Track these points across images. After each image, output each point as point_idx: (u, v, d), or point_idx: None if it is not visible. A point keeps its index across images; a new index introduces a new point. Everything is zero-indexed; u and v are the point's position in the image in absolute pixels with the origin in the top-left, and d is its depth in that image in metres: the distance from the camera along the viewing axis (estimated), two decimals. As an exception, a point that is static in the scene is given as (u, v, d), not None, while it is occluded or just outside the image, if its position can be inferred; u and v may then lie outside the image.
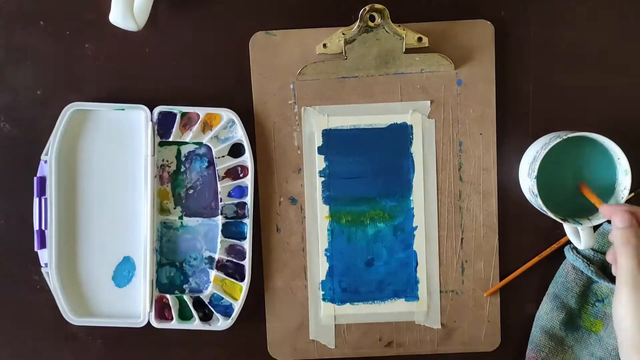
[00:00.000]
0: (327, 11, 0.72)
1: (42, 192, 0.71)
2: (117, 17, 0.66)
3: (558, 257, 0.73)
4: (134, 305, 0.73)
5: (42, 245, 0.72)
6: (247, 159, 0.72)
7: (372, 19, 0.70)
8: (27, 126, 0.73)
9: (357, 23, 0.69)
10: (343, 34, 0.70)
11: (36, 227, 0.72)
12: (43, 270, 0.72)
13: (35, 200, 0.72)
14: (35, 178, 0.72)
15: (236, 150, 0.73)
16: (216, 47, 0.73)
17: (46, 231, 0.71)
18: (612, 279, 0.71)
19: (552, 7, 0.72)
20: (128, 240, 0.73)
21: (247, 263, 0.72)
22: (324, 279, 0.73)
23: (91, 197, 0.73)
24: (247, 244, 0.72)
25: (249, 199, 0.72)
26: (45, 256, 0.71)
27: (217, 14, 0.72)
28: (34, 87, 0.73)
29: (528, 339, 0.73)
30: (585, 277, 0.72)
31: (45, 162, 0.71)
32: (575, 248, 0.72)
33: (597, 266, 0.71)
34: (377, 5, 0.69)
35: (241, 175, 0.73)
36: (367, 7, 0.69)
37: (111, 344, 0.74)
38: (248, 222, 0.72)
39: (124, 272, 0.73)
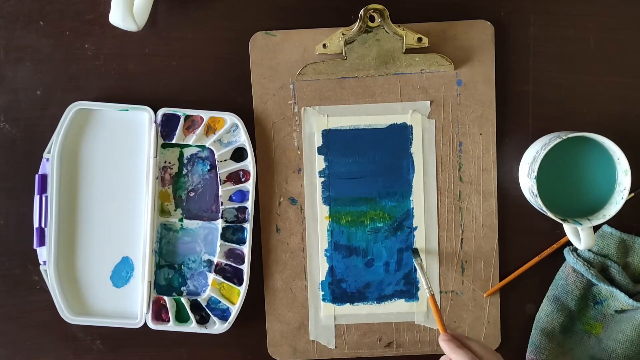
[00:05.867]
0: (327, 11, 0.72)
1: (43, 189, 0.71)
2: (117, 17, 0.66)
3: (558, 257, 0.73)
4: (131, 306, 0.73)
5: (41, 242, 0.72)
6: (249, 163, 0.72)
7: (372, 19, 0.70)
8: (27, 126, 0.73)
9: (357, 23, 0.69)
10: (343, 34, 0.70)
11: (36, 224, 0.72)
12: (41, 268, 0.72)
13: (36, 198, 0.72)
14: (36, 175, 0.71)
15: (238, 154, 0.73)
16: (216, 47, 0.73)
17: (46, 229, 0.71)
18: (611, 282, 0.71)
19: (552, 7, 0.72)
20: (127, 241, 0.73)
21: (245, 267, 0.72)
22: (324, 279, 0.73)
23: (92, 196, 0.73)
24: (246, 249, 0.72)
25: (250, 204, 0.72)
26: (44, 254, 0.71)
27: (216, 14, 0.72)
28: (34, 87, 0.73)
29: (528, 339, 0.73)
30: (585, 279, 0.71)
31: (47, 159, 0.71)
32: (575, 250, 0.72)
33: (597, 269, 0.71)
34: (377, 6, 0.69)
35: (243, 179, 0.72)
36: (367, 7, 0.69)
37: (111, 345, 0.74)
38: (248, 226, 0.71)
39: (122, 273, 0.73)
